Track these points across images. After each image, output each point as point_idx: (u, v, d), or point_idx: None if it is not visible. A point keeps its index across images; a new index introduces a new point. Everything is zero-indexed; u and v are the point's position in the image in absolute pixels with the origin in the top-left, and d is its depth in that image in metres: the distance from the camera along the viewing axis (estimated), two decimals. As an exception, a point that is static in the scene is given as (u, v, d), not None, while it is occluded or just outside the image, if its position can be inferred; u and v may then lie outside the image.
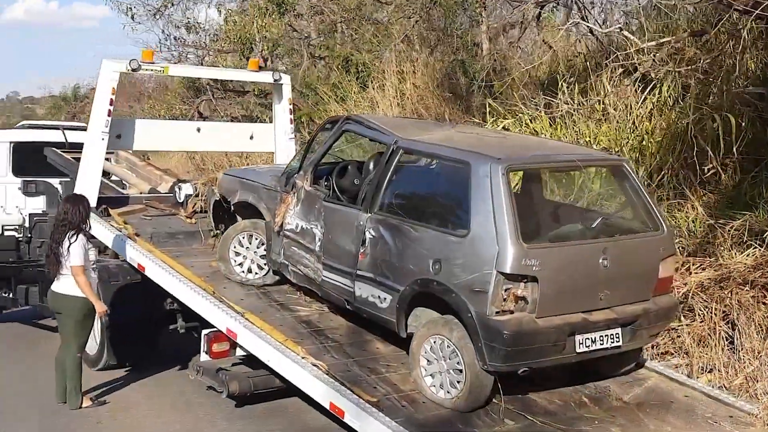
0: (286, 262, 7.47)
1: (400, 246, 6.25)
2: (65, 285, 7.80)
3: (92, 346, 9.22)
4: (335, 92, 15.90)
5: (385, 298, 6.37)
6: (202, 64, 17.51)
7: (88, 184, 9.10)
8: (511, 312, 5.63)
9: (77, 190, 9.13)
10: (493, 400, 6.01)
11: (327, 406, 6.04)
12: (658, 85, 10.24)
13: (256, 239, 7.91)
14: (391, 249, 6.32)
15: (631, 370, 6.80)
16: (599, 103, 10.45)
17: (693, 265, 8.60)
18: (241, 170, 9.15)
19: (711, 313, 8.03)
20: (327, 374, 6.19)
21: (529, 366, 5.81)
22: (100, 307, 7.88)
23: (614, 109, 10.30)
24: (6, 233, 11.73)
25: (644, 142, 9.83)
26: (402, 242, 6.23)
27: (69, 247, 7.65)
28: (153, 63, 9.35)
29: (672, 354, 8.39)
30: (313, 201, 7.17)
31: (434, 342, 6.01)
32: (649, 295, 6.26)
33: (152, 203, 9.80)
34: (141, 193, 10.50)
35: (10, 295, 11.11)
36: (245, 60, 16.43)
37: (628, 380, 6.74)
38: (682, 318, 8.51)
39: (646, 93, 10.19)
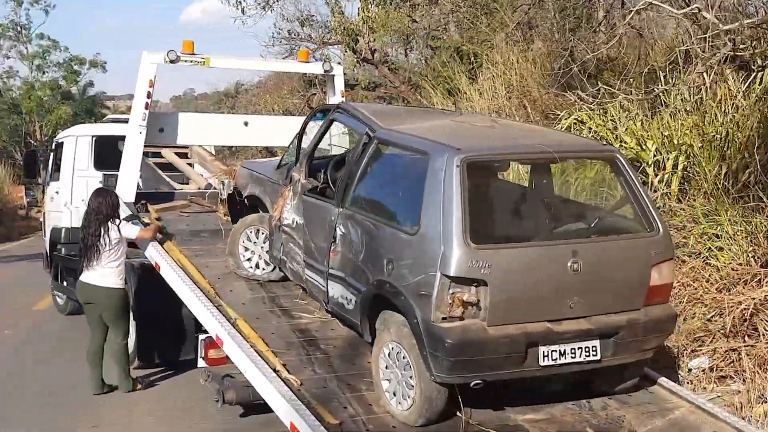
0: (285, 259, 7.54)
1: (362, 243, 6.18)
2: (99, 276, 8.47)
3: (130, 343, 9.67)
4: (444, 84, 15.86)
5: (351, 300, 6.33)
6: (314, 58, 17.98)
7: (126, 179, 9.55)
8: (461, 319, 5.42)
9: (118, 185, 9.64)
10: (458, 414, 5.82)
11: (288, 427, 5.84)
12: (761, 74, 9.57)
13: (263, 234, 8.03)
14: (355, 246, 6.26)
15: (631, 389, 6.39)
16: (690, 94, 9.88)
17: (765, 277, 8.01)
18: (256, 162, 9.30)
19: (777, 333, 7.48)
20: (298, 391, 6.07)
21: (482, 379, 5.58)
22: (155, 227, 8.81)
23: (708, 100, 9.70)
24: None
25: (730, 137, 9.18)
26: (364, 239, 6.16)
27: (119, 229, 8.45)
28: (194, 54, 9.65)
29: (732, 378, 7.85)
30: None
31: (385, 353, 5.92)
32: (640, 305, 5.84)
33: (197, 199, 10.13)
34: (198, 189, 10.89)
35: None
36: (352, 52, 16.73)
37: (651, 409, 6.26)
38: (747, 338, 7.94)
39: (741, 82, 9.55)
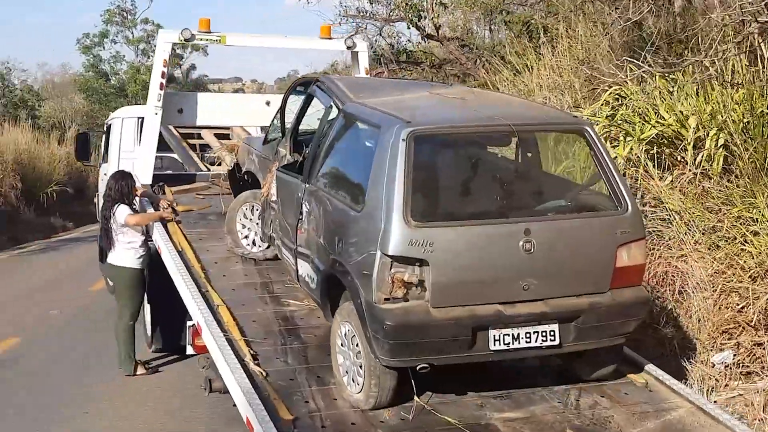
0: (274, 235, 7.65)
1: (321, 220, 6.22)
2: (115, 256, 9.04)
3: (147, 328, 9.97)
4: (514, 61, 15.61)
5: (314, 278, 6.38)
6: (381, 35, 18.07)
7: (143, 161, 9.86)
8: (405, 300, 5.38)
9: (138, 167, 9.96)
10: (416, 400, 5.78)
11: (245, 421, 5.75)
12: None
13: (257, 210, 8.16)
14: (316, 223, 6.30)
15: (609, 377, 6.23)
16: (737, 66, 9.44)
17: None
18: (255, 138, 9.42)
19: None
20: (260, 383, 6.03)
21: (428, 363, 5.52)
22: (164, 212, 9.10)
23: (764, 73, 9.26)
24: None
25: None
26: (323, 216, 6.20)
27: (115, 214, 8.84)
28: (210, 32, 9.83)
29: (758, 374, 7.53)
30: None
31: (337, 342, 5.95)
32: (605, 287, 5.67)
33: (218, 181, 10.34)
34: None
35: None
36: (416, 29, 16.68)
37: (646, 409, 5.98)
38: (772, 330, 7.61)
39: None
